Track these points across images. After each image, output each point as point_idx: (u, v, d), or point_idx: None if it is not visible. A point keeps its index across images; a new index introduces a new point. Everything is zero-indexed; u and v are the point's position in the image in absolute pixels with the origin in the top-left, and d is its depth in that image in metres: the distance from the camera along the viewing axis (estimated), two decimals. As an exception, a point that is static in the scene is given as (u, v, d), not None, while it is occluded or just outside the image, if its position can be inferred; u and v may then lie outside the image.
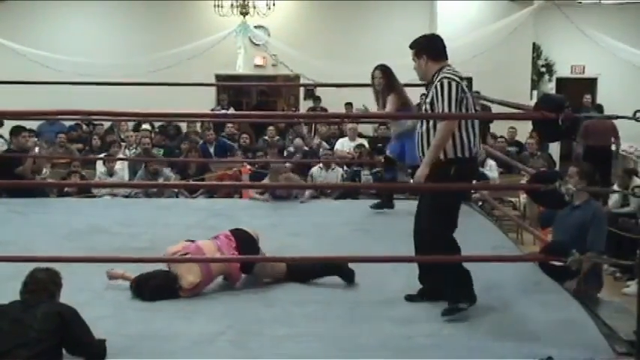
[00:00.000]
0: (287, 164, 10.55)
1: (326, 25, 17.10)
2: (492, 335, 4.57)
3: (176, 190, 10.62)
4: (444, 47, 5.11)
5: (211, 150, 13.09)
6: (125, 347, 4.24)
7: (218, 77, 17.06)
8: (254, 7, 15.89)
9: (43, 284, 4.15)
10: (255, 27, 16.62)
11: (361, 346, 4.42)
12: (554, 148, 15.17)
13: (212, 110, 15.89)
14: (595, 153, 13.13)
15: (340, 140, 13.58)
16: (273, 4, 15.92)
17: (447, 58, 5.06)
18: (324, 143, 13.88)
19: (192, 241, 5.55)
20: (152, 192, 10.27)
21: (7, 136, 13.76)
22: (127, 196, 10.23)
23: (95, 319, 4.24)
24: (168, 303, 5.16)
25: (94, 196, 10.22)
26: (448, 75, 4.88)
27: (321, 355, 4.29)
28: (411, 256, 5.22)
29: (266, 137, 14.14)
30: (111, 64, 15.01)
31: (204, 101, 16.12)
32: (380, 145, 13.87)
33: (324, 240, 6.83)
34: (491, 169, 11.27)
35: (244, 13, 15.85)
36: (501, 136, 13.50)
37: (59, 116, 11.50)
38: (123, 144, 12.95)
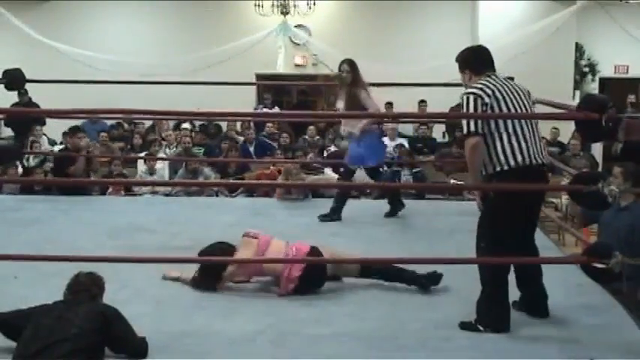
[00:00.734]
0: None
1: (366, 24, 17.06)
2: (533, 338, 4.53)
3: (216, 188, 10.67)
4: (486, 59, 4.89)
5: (251, 149, 13.13)
6: (164, 345, 4.27)
7: (258, 76, 17.08)
8: (295, 7, 15.92)
9: (85, 286, 4.23)
10: (296, 26, 16.62)
11: (400, 347, 4.41)
12: (597, 149, 14.98)
13: (254, 109, 15.92)
14: (634, 149, 12.91)
15: (380, 140, 13.54)
16: (314, 4, 15.95)
17: (491, 69, 4.82)
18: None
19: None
20: (192, 191, 10.33)
21: (51, 135, 14.05)
22: (167, 195, 10.30)
23: (135, 316, 4.27)
24: (209, 301, 5.19)
25: (135, 195, 10.31)
26: (470, 90, 4.66)
27: (360, 355, 4.29)
28: (463, 257, 5.16)
29: (306, 137, 14.15)
30: (152, 64, 15.10)
31: (244, 100, 16.13)
32: (420, 145, 13.85)
33: (363, 240, 6.82)
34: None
35: (285, 13, 15.89)
36: (543, 137, 13.35)
37: (101, 115, 11.60)
38: (164, 143, 13.04)
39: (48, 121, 12.81)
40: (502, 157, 4.56)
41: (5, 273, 5.42)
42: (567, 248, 9.00)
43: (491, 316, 4.67)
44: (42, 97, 13.08)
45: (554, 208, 11.52)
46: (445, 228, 7.39)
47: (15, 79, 8.36)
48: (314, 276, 5.37)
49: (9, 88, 8.65)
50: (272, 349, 4.38)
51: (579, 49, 17.21)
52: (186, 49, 15.95)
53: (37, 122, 13.23)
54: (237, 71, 15.21)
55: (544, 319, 4.84)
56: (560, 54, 16.29)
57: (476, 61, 4.91)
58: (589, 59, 17.62)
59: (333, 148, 13.51)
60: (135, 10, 17.14)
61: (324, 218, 7.70)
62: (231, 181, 11.25)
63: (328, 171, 11.34)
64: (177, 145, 12.77)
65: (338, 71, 7.84)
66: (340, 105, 7.76)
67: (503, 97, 4.62)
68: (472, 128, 4.56)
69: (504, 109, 4.62)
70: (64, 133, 13.00)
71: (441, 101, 13.42)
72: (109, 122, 14.50)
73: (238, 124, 14.46)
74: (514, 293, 4.86)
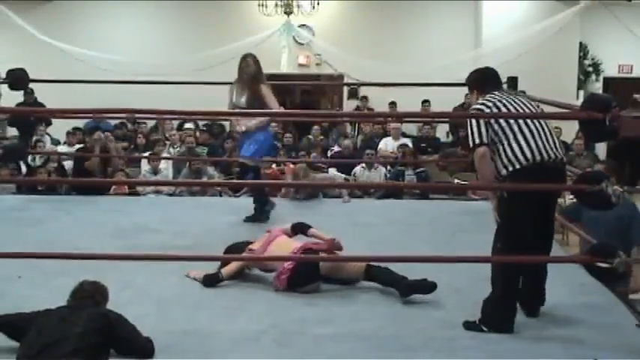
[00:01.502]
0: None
1: (370, 24, 17.06)
2: (536, 338, 4.53)
3: (219, 188, 10.68)
4: (492, 79, 5.04)
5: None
6: (168, 345, 4.27)
7: (262, 76, 17.10)
8: (298, 7, 15.94)
9: (89, 293, 4.26)
10: (299, 26, 16.62)
11: (404, 347, 4.40)
12: (601, 149, 14.97)
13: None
14: (628, 145, 12.90)
15: (384, 140, 13.56)
16: (318, 4, 15.95)
17: (496, 88, 4.95)
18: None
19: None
20: (196, 190, 10.34)
21: (55, 135, 14.08)
22: (171, 195, 10.31)
23: (139, 316, 4.27)
24: (212, 301, 5.20)
25: (139, 194, 10.31)
26: (473, 107, 4.86)
27: (363, 355, 4.29)
28: (469, 256, 5.16)
29: (310, 136, 14.15)
30: (156, 64, 15.09)
31: (248, 100, 16.13)
32: (424, 144, 13.85)
33: (368, 240, 6.82)
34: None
35: (288, 13, 15.90)
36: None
37: (105, 115, 11.61)
38: (167, 142, 13.04)
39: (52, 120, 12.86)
40: (512, 157, 4.60)
41: (9, 273, 5.44)
42: (571, 248, 8.98)
43: (495, 317, 4.68)
44: (46, 97, 13.12)
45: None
46: (449, 228, 7.39)
47: (19, 79, 8.37)
48: (306, 269, 5.41)
49: (13, 87, 8.66)
50: (275, 349, 4.38)
51: (583, 49, 17.20)
52: (190, 49, 15.95)
53: (42, 122, 13.29)
54: (241, 71, 15.19)
55: (544, 318, 4.84)
56: (564, 54, 16.27)
57: (481, 82, 5.05)
58: (593, 59, 17.61)
59: (336, 148, 13.53)
60: (139, 10, 17.17)
61: (248, 219, 7.66)
62: (234, 180, 11.24)
63: (333, 170, 11.34)
64: (180, 145, 12.78)
65: (241, 66, 7.68)
66: (242, 100, 7.68)
67: (504, 106, 4.74)
68: (477, 140, 4.66)
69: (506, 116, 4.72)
70: (68, 133, 13.06)
71: (445, 101, 13.43)
72: (113, 122, 14.52)
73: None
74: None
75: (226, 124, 15.14)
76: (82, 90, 12.18)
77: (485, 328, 4.66)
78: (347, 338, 4.53)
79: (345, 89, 17.69)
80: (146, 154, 12.51)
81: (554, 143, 4.72)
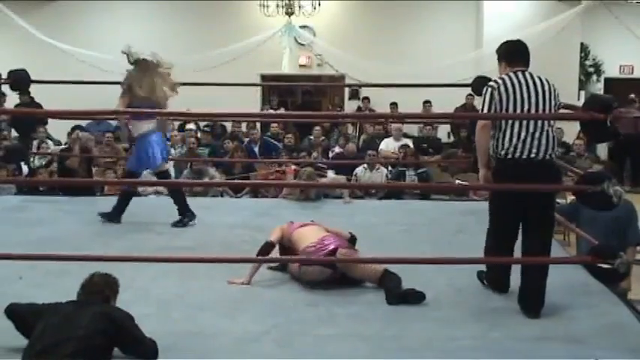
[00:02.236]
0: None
1: (371, 25, 17.08)
2: (537, 338, 4.52)
3: (221, 189, 10.68)
4: (519, 53, 5.17)
5: (256, 150, 13.13)
6: (169, 345, 4.25)
7: (263, 77, 17.12)
8: (299, 7, 15.95)
9: (98, 287, 4.23)
10: (301, 27, 16.64)
11: (405, 347, 4.40)
12: (602, 149, 14.97)
13: (261, 110, 15.96)
14: (624, 142, 12.89)
15: (385, 140, 13.57)
16: (319, 4, 15.98)
17: (522, 63, 5.09)
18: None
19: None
20: (197, 191, 10.34)
21: (56, 136, 14.08)
22: (171, 195, 10.29)
23: (140, 317, 4.26)
24: (213, 301, 5.19)
25: (140, 195, 10.30)
26: (490, 82, 5.03)
27: (365, 355, 4.29)
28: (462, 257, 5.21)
29: (311, 137, 14.15)
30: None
31: (249, 101, 16.14)
32: (425, 145, 13.85)
33: (369, 240, 6.80)
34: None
35: (290, 13, 15.91)
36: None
37: (105, 115, 11.62)
38: (168, 143, 13.04)
39: (53, 121, 12.85)
40: (501, 145, 4.87)
41: (11, 273, 5.43)
42: (572, 248, 8.97)
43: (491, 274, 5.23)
44: (47, 97, 13.08)
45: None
46: (450, 228, 7.39)
47: (20, 80, 8.37)
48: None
49: (14, 88, 8.67)
50: (277, 350, 4.38)
51: (584, 50, 17.20)
52: (192, 50, 15.94)
53: (42, 123, 13.29)
54: (242, 72, 15.24)
55: (544, 318, 4.84)
56: (565, 54, 16.26)
57: (508, 53, 5.22)
58: (594, 59, 17.61)
59: (337, 149, 13.52)
60: (140, 11, 17.19)
61: (103, 217, 7.59)
62: (236, 181, 11.26)
63: (331, 173, 11.33)
64: (182, 146, 12.79)
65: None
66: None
67: (514, 91, 4.88)
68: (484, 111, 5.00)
69: (511, 102, 4.87)
70: (68, 133, 13.06)
71: (446, 101, 13.43)
72: (114, 123, 14.51)
73: (244, 124, 14.48)
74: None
75: (228, 125, 15.16)
76: (84, 90, 12.17)
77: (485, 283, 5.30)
78: (348, 338, 4.53)
79: (347, 90, 17.71)
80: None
81: (547, 143, 4.84)
